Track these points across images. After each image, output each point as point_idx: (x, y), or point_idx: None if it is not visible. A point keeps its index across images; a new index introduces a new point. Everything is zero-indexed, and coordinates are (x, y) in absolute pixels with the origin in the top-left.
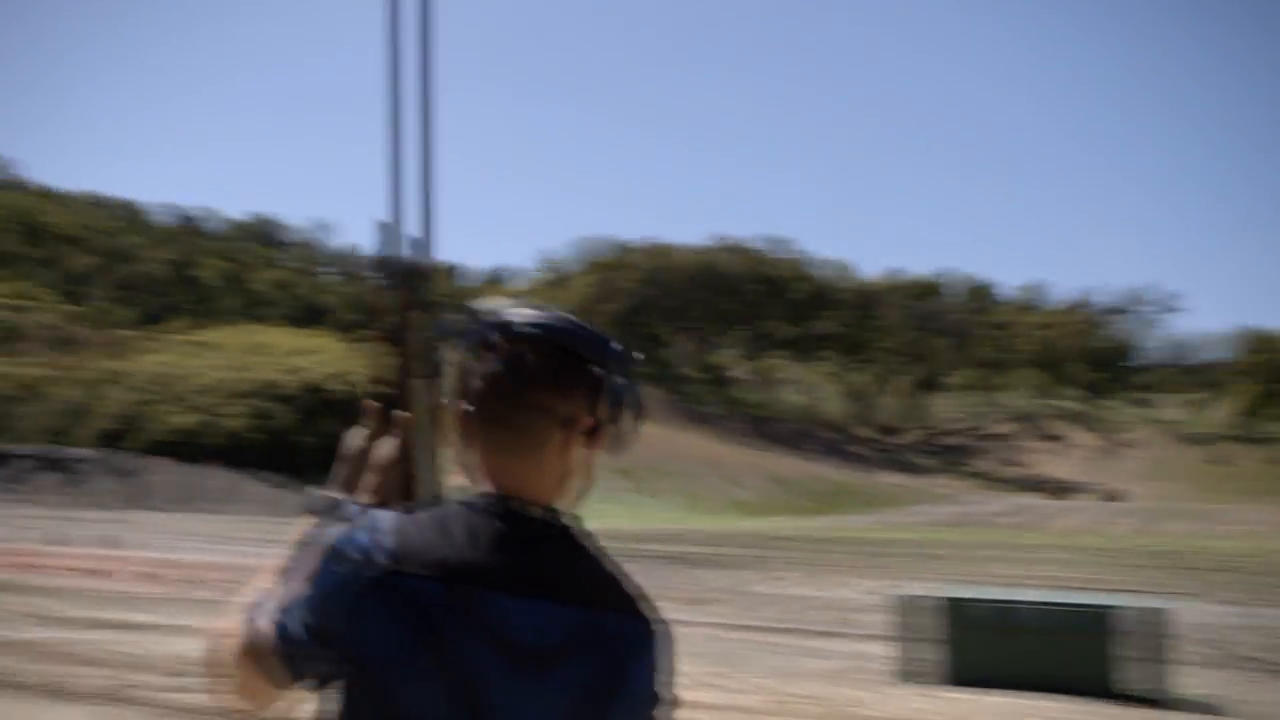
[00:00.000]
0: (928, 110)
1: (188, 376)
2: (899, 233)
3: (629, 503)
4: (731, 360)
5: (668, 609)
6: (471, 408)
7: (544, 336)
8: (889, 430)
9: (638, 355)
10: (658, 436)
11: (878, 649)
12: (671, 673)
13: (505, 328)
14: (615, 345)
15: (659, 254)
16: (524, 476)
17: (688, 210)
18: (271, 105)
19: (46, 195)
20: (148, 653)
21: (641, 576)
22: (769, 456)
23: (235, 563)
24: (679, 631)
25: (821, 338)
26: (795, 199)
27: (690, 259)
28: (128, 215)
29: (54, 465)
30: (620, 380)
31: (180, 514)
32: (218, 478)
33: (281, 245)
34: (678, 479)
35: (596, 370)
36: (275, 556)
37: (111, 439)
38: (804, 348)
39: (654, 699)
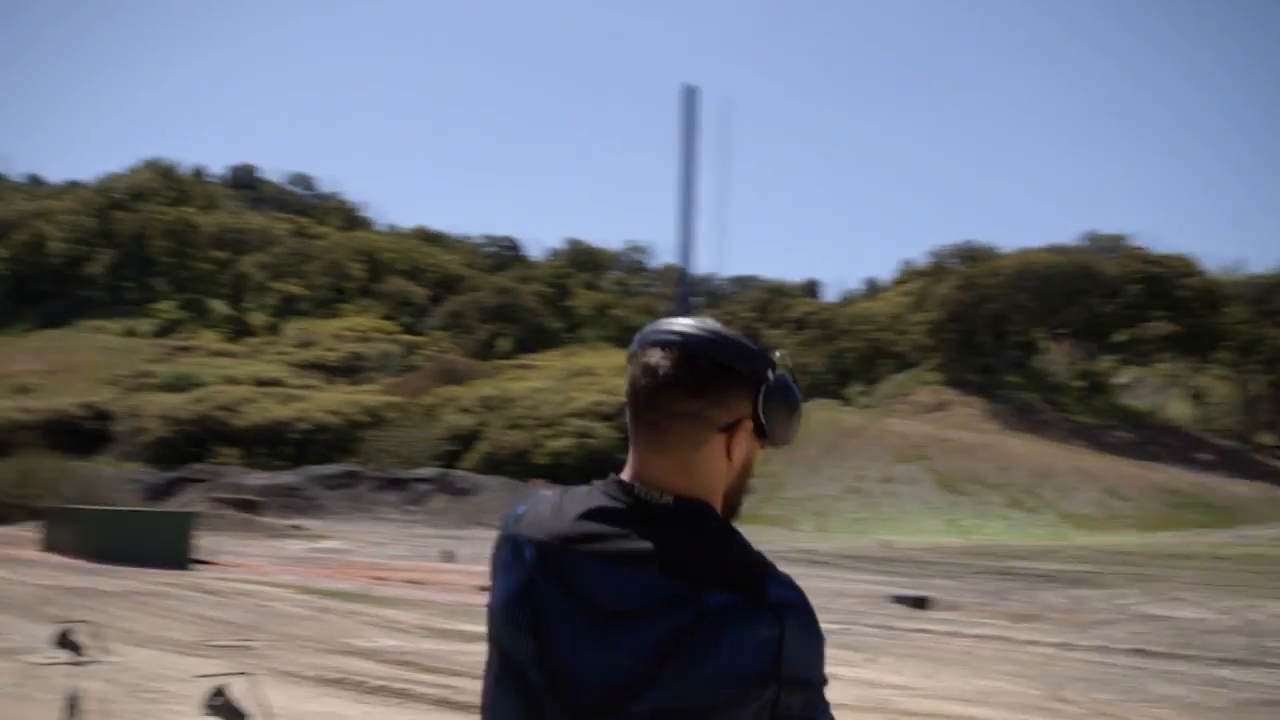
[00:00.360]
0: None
1: (515, 400)
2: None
3: (1006, 518)
4: (1109, 366)
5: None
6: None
7: (676, 342)
8: None
9: (783, 356)
10: (1029, 448)
11: None
12: (805, 657)
13: (645, 337)
14: (752, 349)
15: (1018, 257)
16: (658, 467)
17: (1020, 209)
18: (584, 131)
19: (385, 233)
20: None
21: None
22: (1152, 467)
23: None
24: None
25: (1197, 337)
26: (1130, 189)
27: (1050, 260)
28: (453, 247)
29: (395, 485)
30: (764, 381)
31: None
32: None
33: (599, 269)
34: (1055, 492)
35: (733, 372)
36: None
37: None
38: (1189, 348)
39: (760, 676)
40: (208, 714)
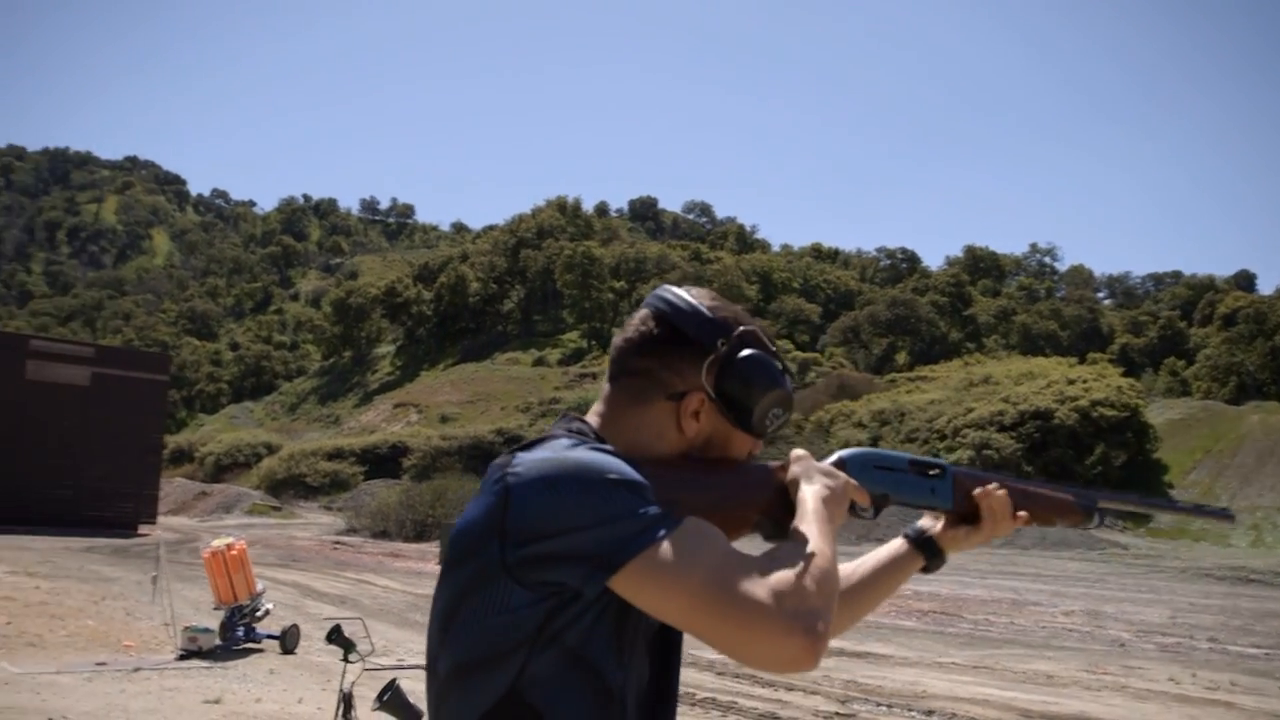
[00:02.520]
0: None
1: (910, 412)
2: None
3: None
4: None
5: None
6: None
7: (649, 304)
8: None
9: (744, 332)
10: None
11: None
12: (537, 510)
13: (640, 303)
14: (709, 317)
15: None
16: (600, 419)
17: None
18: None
19: (779, 253)
20: (873, 683)
21: None
22: None
23: (994, 597)
24: None
25: None
26: None
27: None
28: (847, 262)
29: None
30: (713, 352)
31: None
32: None
33: (1001, 275)
34: None
35: (684, 337)
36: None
37: None
38: None
39: (484, 532)
40: (377, 708)
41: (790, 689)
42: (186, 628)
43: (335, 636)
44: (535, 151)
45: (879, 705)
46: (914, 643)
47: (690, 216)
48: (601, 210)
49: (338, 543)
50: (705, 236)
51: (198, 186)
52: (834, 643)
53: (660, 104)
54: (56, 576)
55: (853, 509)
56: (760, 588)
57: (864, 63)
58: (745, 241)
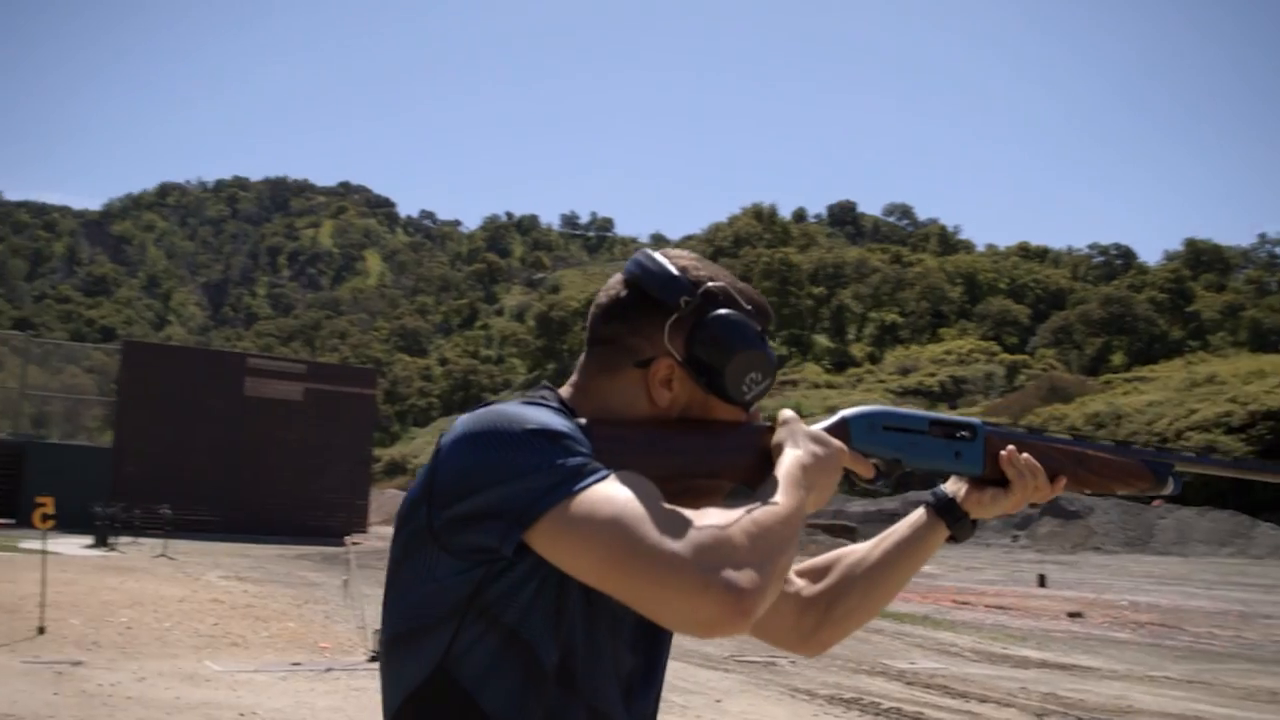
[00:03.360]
0: None
1: (1128, 415)
2: None
3: None
4: None
5: None
6: None
7: (628, 272)
8: None
9: (716, 288)
10: None
11: None
12: (457, 468)
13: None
14: (674, 275)
15: None
16: (570, 389)
17: None
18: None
19: (984, 253)
20: (1075, 696)
21: None
22: None
23: (1220, 609)
24: None
25: None
26: None
27: None
28: (1057, 260)
29: None
30: (674, 310)
31: (1128, 555)
32: (1166, 517)
33: (1226, 269)
34: None
35: (647, 297)
36: None
37: None
38: None
39: (415, 500)
40: None
41: (983, 700)
42: (377, 631)
43: None
44: (733, 160)
45: (1079, 719)
46: (1125, 655)
47: (890, 219)
48: (799, 216)
49: None
50: (906, 239)
51: (406, 208)
52: (1035, 654)
53: (858, 106)
54: (265, 581)
55: (855, 480)
56: (678, 543)
57: (1069, 53)
58: (948, 243)
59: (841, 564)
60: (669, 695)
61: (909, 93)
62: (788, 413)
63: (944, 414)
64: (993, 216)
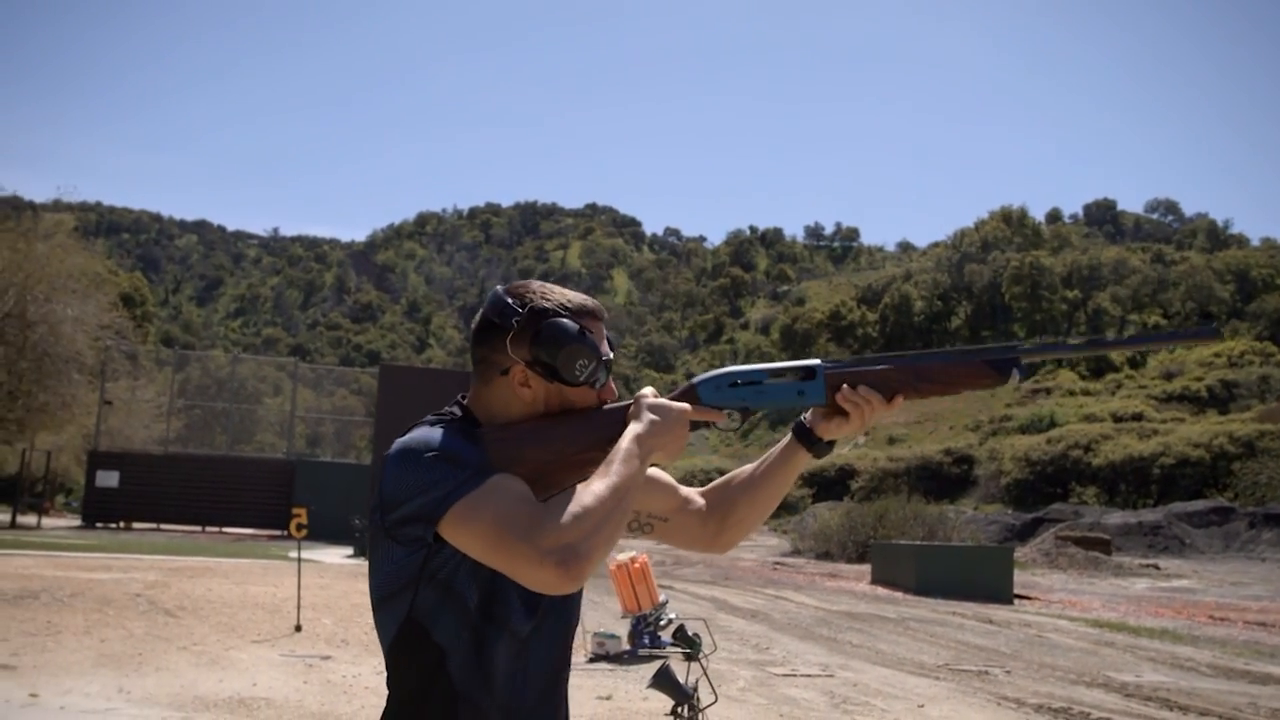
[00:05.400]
0: None
1: None
2: None
3: None
4: None
5: None
6: None
7: (484, 306)
8: None
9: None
10: None
11: None
12: (394, 481)
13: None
14: (508, 305)
15: None
16: (474, 401)
17: None
18: None
19: (1258, 248)
20: (1261, 704)
21: None
22: None
23: None
24: None
25: None
26: None
27: None
28: None
29: (1274, 521)
30: (509, 330)
31: None
32: None
33: None
34: None
35: (493, 325)
36: None
37: None
38: None
39: (374, 509)
40: (649, 686)
41: (1204, 714)
42: (596, 633)
43: (679, 635)
44: (978, 163)
45: None
46: None
47: (1154, 216)
48: (1054, 217)
49: (779, 564)
50: (1171, 236)
51: (651, 226)
52: (1267, 669)
53: (1113, 97)
54: None
55: (715, 428)
56: (523, 531)
57: None
58: (1218, 238)
59: (732, 483)
60: (871, 700)
61: (1164, 85)
62: (644, 390)
63: (783, 364)
64: (1270, 209)
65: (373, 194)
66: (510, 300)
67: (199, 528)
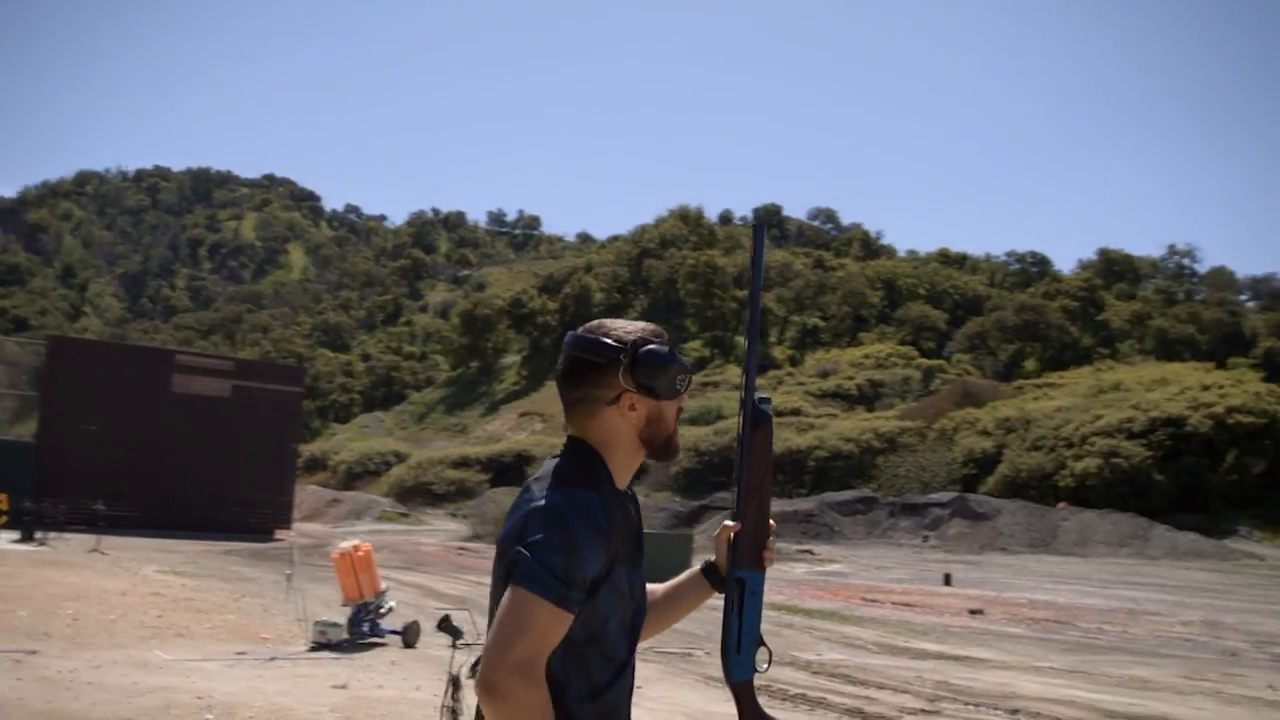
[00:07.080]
0: None
1: (1036, 420)
2: None
3: None
4: None
5: None
6: None
7: (570, 355)
8: None
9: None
10: None
11: None
12: (533, 531)
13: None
14: (605, 343)
15: None
16: (586, 435)
17: None
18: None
19: (905, 259)
20: (964, 684)
21: None
22: None
23: (1111, 606)
24: None
25: None
26: None
27: None
28: (975, 267)
29: (911, 510)
30: (619, 364)
31: (1031, 555)
32: (1069, 519)
33: (1136, 279)
34: None
35: (594, 364)
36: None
37: (968, 482)
38: None
39: (510, 539)
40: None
41: (880, 687)
42: (317, 622)
43: (444, 625)
44: (661, 160)
45: (966, 704)
46: (1016, 648)
47: (815, 223)
48: (725, 218)
49: (461, 548)
50: (830, 244)
51: (331, 202)
52: (933, 647)
53: (785, 111)
54: (200, 576)
55: None
56: (505, 641)
57: (990, 63)
58: (870, 248)
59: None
60: None
61: (836, 97)
62: None
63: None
64: (915, 223)
65: (25, 147)
66: (605, 340)
67: None
